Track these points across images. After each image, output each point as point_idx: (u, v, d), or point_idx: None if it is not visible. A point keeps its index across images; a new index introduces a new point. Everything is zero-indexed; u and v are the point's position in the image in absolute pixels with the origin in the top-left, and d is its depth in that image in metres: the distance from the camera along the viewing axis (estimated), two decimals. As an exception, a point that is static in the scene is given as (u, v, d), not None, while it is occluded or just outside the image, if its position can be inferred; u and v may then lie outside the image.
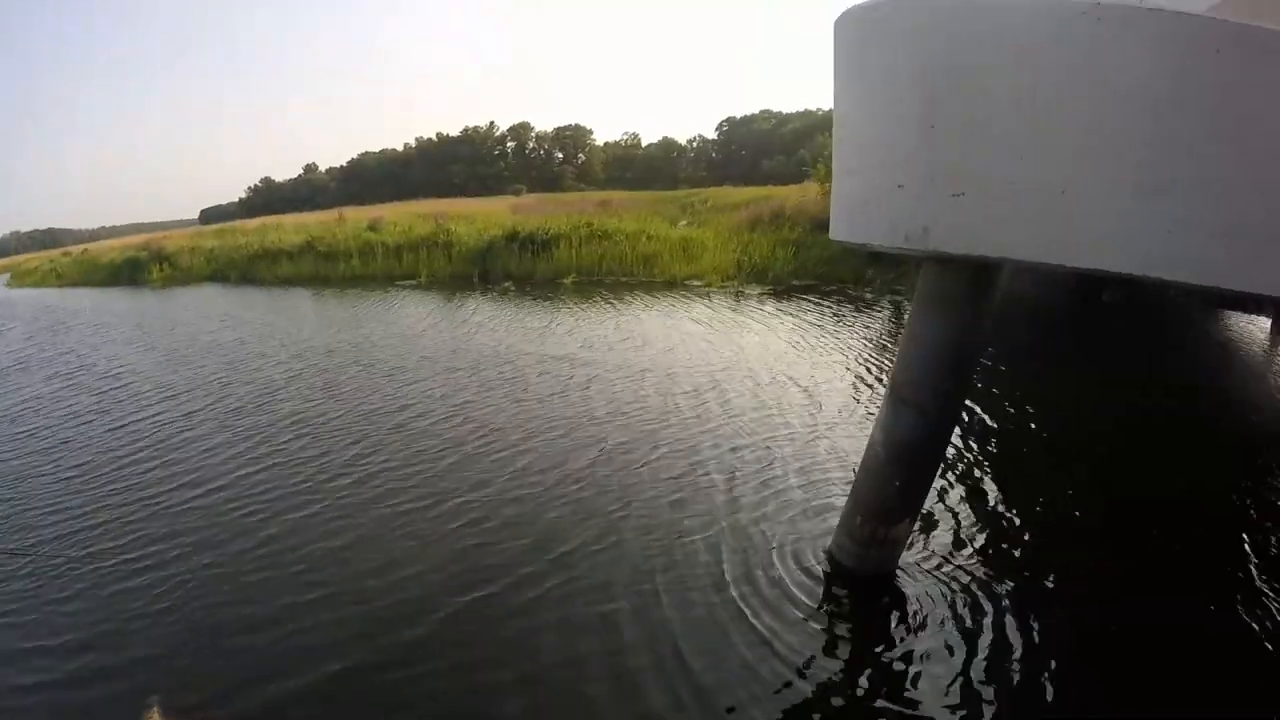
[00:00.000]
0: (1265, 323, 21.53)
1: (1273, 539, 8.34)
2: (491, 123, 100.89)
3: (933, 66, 5.64)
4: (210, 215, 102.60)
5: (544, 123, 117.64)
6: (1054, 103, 5.43)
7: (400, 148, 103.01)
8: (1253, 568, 7.66)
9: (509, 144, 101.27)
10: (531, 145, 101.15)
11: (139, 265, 39.95)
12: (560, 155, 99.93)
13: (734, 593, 7.12)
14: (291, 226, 41.21)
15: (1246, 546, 8.11)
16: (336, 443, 11.50)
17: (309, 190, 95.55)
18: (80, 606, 7.52)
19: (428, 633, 6.68)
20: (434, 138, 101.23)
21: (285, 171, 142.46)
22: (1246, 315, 23.19)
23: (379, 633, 6.71)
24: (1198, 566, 7.77)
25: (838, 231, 6.77)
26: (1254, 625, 6.67)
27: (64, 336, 24.63)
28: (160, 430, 12.89)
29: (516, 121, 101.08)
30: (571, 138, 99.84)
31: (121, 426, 13.33)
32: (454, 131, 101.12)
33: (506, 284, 27.79)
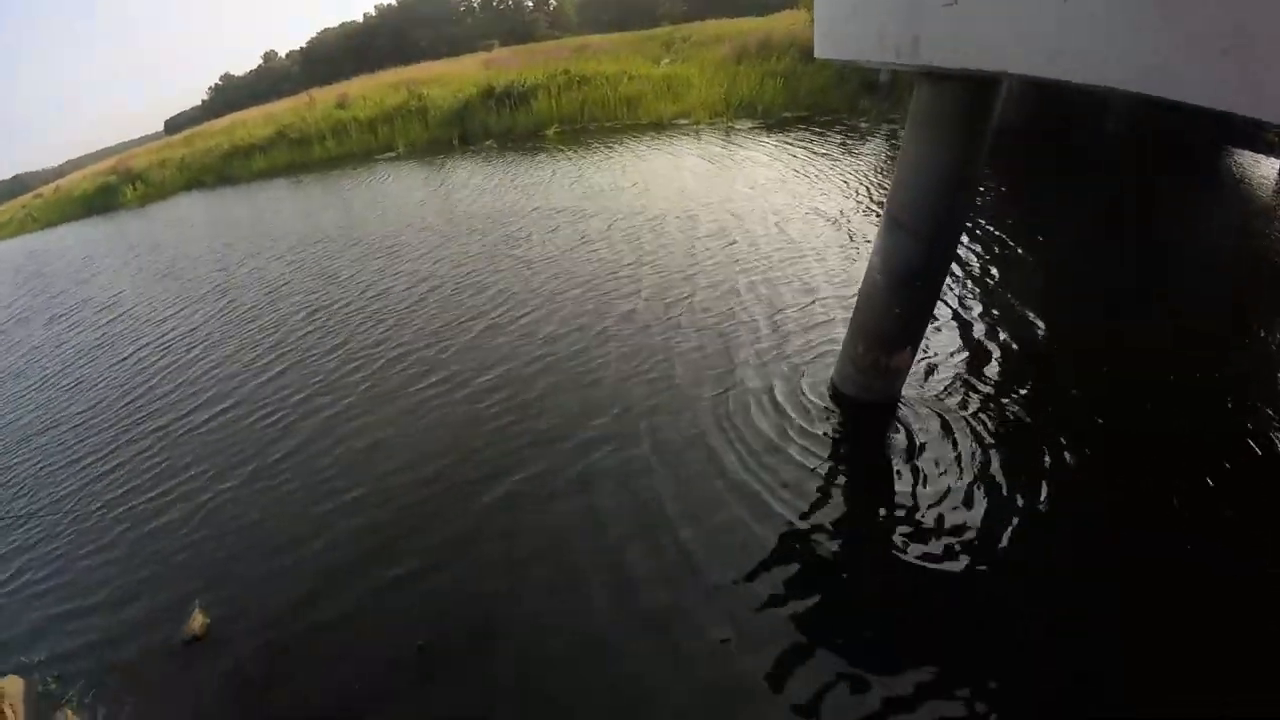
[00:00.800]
0: (1275, 165, 19.84)
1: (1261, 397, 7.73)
2: None
3: None
4: (175, 124, 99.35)
5: None
6: None
7: (360, 18, 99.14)
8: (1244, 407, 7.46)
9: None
10: None
11: (112, 190, 38.69)
12: (530, 3, 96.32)
13: (754, 422, 7.34)
14: (260, 118, 40.00)
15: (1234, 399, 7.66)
16: (351, 333, 11.26)
17: (272, 79, 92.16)
18: (118, 554, 7.55)
19: (456, 533, 6.66)
20: (394, 3, 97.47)
21: (244, 64, 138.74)
22: (1255, 155, 21.47)
23: (409, 535, 6.73)
24: (1183, 403, 7.45)
25: (823, 48, 6.47)
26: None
27: (53, 279, 23.89)
28: (167, 354, 12.66)
29: None
30: None
31: (127, 358, 13.10)
32: None
33: (488, 142, 27.18)
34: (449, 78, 36.36)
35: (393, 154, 28.93)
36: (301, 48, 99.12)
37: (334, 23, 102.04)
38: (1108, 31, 5.10)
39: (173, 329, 13.84)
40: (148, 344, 13.39)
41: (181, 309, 14.96)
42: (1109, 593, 5.28)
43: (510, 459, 7.42)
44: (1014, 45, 5.25)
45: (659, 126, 25.51)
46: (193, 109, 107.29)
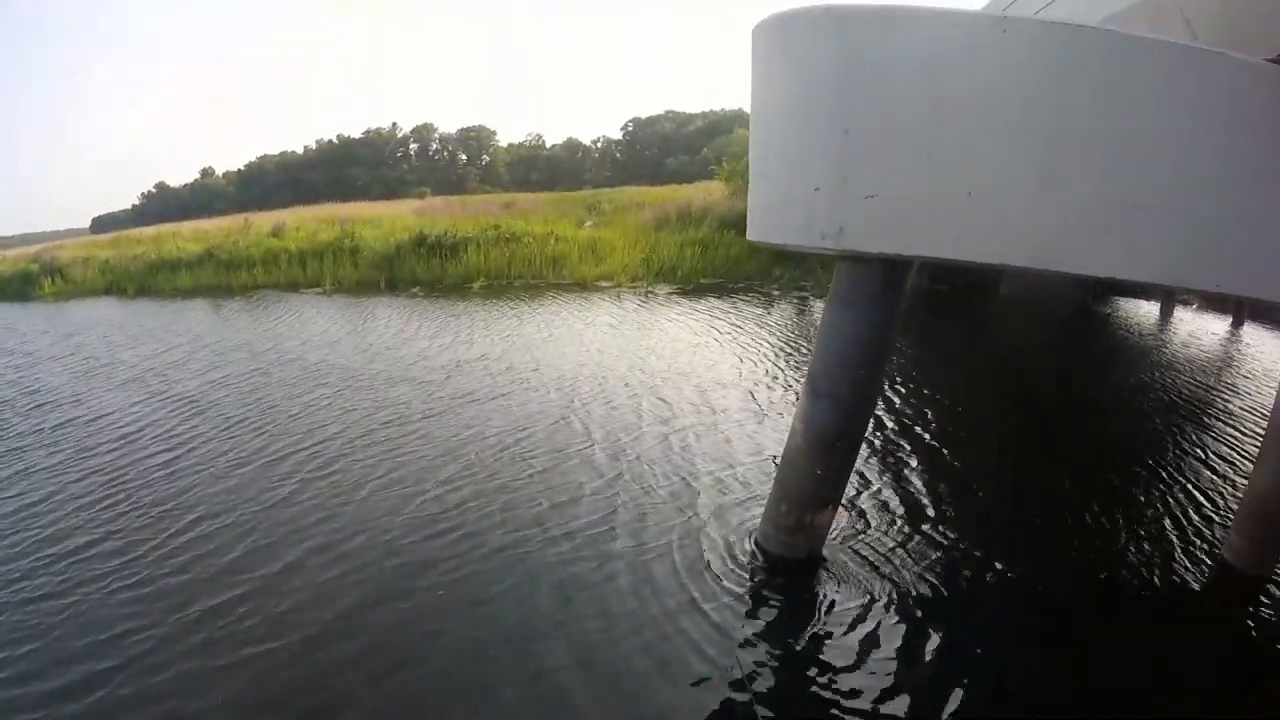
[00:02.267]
0: (1155, 307, 23.49)
1: (1167, 498, 9.56)
2: (394, 124, 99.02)
3: (847, 74, 5.98)
4: (103, 223, 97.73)
5: (447, 124, 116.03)
6: (961, 108, 5.88)
7: (300, 150, 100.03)
8: (1146, 528, 8.69)
9: (412, 145, 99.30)
10: (435, 147, 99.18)
11: (30, 278, 36.84)
12: (464, 157, 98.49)
13: (669, 584, 7.30)
14: (190, 234, 39.32)
15: (1134, 512, 9.11)
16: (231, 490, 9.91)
17: (206, 195, 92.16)
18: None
19: None
20: (334, 140, 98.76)
21: (181, 176, 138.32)
22: (1136, 300, 25.04)
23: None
24: (1101, 532, 8.64)
25: (755, 232, 7.11)
26: (1148, 575, 7.68)
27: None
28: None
29: (419, 123, 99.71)
30: (475, 139, 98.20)
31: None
32: (355, 133, 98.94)
33: (414, 290, 27.27)
34: (382, 220, 36.76)
35: (320, 290, 28.59)
36: (239, 169, 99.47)
37: (274, 150, 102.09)
38: (1006, 218, 6.00)
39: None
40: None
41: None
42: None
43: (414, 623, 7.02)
44: (925, 232, 6.03)
45: (582, 287, 26.28)
46: (122, 211, 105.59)
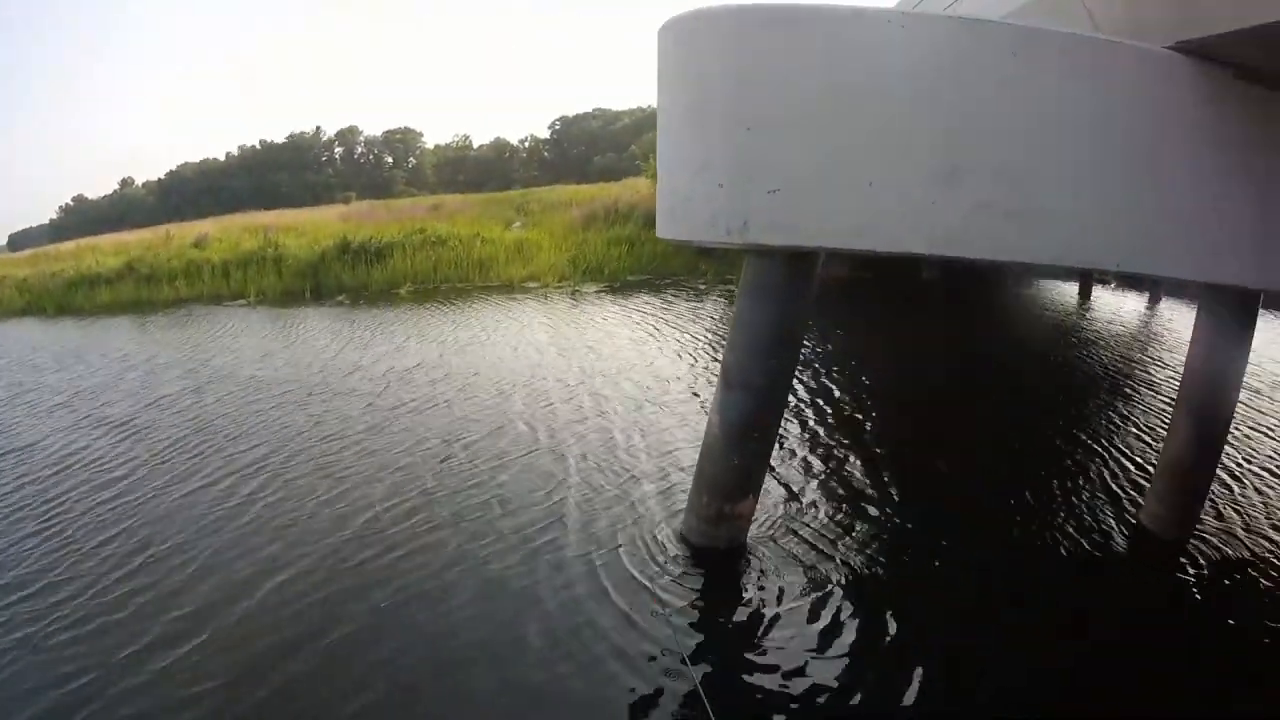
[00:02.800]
0: (1074, 287, 24.51)
1: (1090, 468, 10.32)
2: (318, 127, 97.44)
3: (749, 71, 6.19)
4: (19, 240, 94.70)
5: (373, 126, 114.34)
6: (863, 102, 6.12)
7: (222, 157, 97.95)
8: (1070, 498, 9.41)
9: (337, 149, 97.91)
10: (360, 150, 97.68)
11: None
12: (390, 160, 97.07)
13: (596, 576, 7.47)
14: (110, 247, 37.82)
15: (1056, 485, 9.79)
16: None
17: (126, 206, 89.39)
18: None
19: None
20: (257, 145, 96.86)
21: (99, 187, 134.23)
22: (1055, 281, 25.95)
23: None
24: (1025, 505, 9.30)
25: (664, 229, 7.30)
26: (1072, 543, 8.31)
27: None
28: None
29: (344, 126, 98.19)
30: (402, 141, 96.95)
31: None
32: (279, 138, 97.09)
33: (340, 297, 26.83)
34: (306, 226, 35.94)
35: (244, 302, 27.80)
36: (159, 179, 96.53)
37: (195, 158, 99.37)
38: (909, 207, 6.26)
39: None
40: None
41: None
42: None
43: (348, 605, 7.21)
44: (828, 224, 6.26)
45: (509, 289, 26.34)
46: (40, 226, 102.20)
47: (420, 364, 16.21)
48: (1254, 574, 7.96)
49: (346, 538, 8.49)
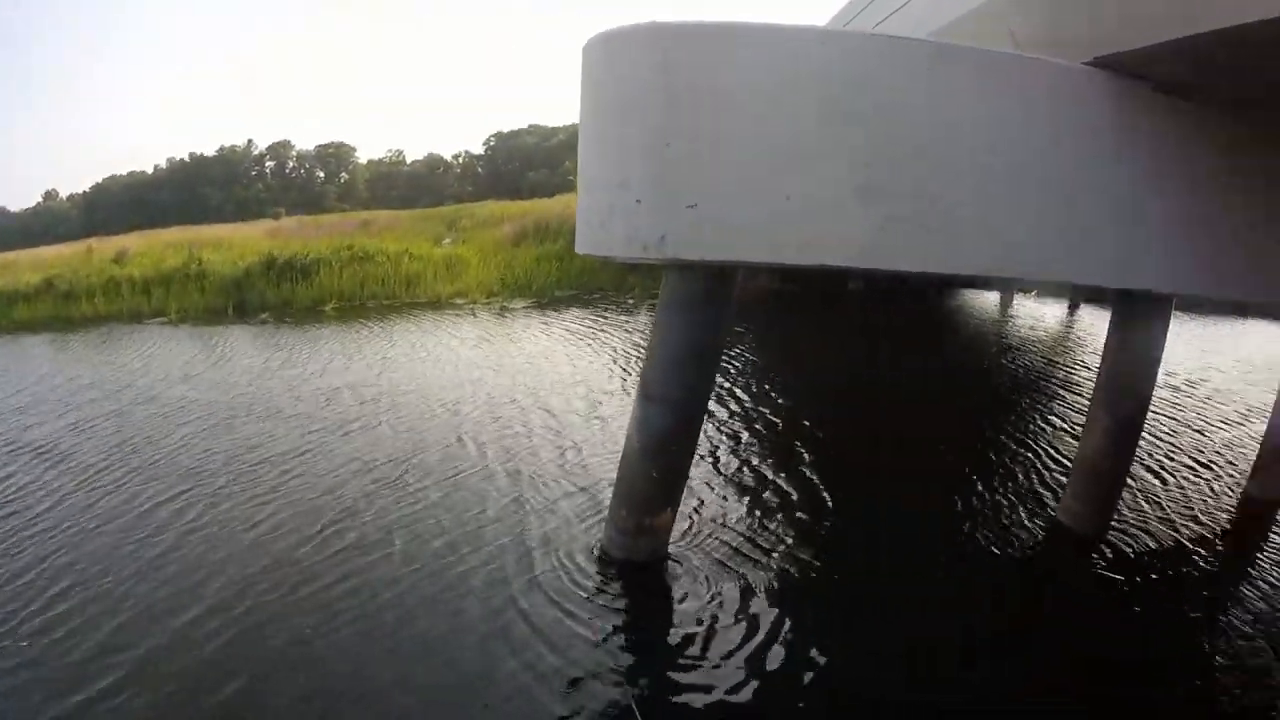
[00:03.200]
0: (996, 296, 25.40)
1: (1012, 468, 10.87)
2: (249, 141, 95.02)
3: (671, 89, 6.24)
4: None
5: (305, 141, 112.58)
6: (782, 120, 6.21)
7: (150, 169, 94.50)
8: (984, 500, 9.80)
9: (268, 163, 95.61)
10: (292, 164, 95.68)
11: None
12: (322, 175, 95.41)
13: (517, 594, 7.41)
14: (29, 263, 36.06)
15: (979, 486, 10.22)
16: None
17: (49, 219, 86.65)
18: None
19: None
20: (186, 158, 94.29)
21: (20, 200, 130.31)
22: (978, 291, 26.82)
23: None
24: (949, 506, 9.65)
25: (583, 245, 7.35)
26: (990, 541, 8.67)
27: None
28: None
29: (276, 140, 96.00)
30: (334, 156, 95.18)
31: None
32: (209, 151, 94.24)
33: (264, 315, 25.87)
34: (233, 242, 35.04)
35: (165, 320, 26.44)
36: (84, 192, 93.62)
37: (122, 170, 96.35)
38: (827, 222, 6.39)
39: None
40: None
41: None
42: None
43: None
44: (745, 238, 6.34)
45: (437, 305, 26.02)
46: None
47: (350, 384, 15.79)
48: (1165, 565, 8.49)
49: (273, 565, 8.20)
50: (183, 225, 52.36)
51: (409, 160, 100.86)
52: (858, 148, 6.37)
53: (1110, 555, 8.58)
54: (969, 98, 6.57)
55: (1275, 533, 9.59)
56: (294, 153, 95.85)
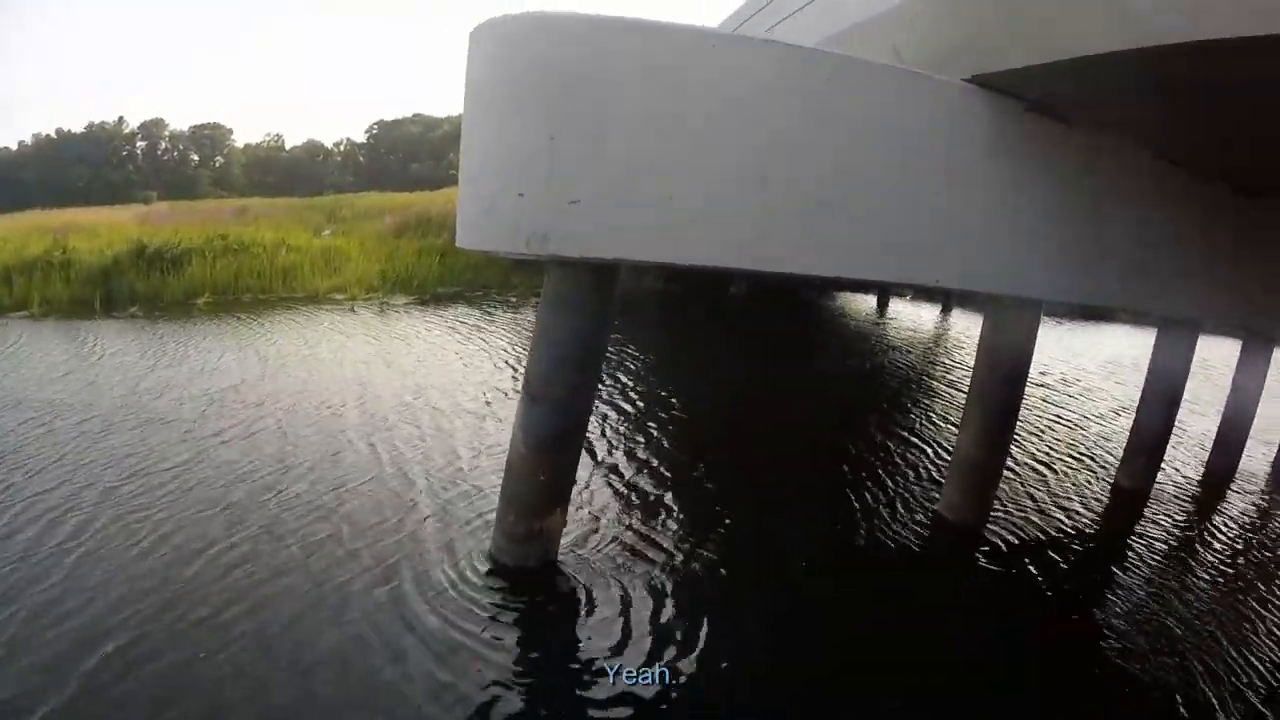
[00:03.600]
0: (872, 299, 26.55)
1: (895, 464, 11.32)
2: (120, 118, 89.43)
3: (558, 82, 6.16)
4: None
5: (179, 120, 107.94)
6: (669, 118, 6.23)
7: (14, 146, 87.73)
8: (868, 495, 10.19)
9: (139, 143, 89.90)
10: (165, 145, 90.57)
11: None
12: (196, 157, 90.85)
13: (405, 603, 7.14)
14: None
15: (864, 482, 10.55)
16: None
17: None
18: None
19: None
20: (53, 134, 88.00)
21: None
22: (855, 294, 27.88)
23: None
24: (835, 501, 10.02)
25: (464, 239, 7.21)
26: (876, 535, 9.04)
27: None
28: None
29: (149, 118, 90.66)
30: (210, 137, 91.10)
31: None
32: (76, 127, 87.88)
33: (134, 309, 24.18)
34: (101, 228, 32.66)
35: (27, 313, 23.89)
36: None
37: None
38: (711, 222, 6.43)
39: None
40: None
41: None
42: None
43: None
44: (629, 236, 6.31)
45: (315, 300, 25.10)
46: None
47: (237, 384, 14.76)
48: (1041, 553, 9.08)
49: (160, 585, 7.47)
50: (47, 208, 49.81)
51: (288, 146, 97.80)
52: (748, 151, 6.46)
53: (989, 546, 9.05)
54: (856, 106, 6.78)
55: (1145, 519, 10.51)
56: (167, 133, 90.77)
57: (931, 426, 13.14)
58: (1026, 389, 9.68)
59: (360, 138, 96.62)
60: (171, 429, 12.04)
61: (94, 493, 9.58)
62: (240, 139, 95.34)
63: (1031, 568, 8.80)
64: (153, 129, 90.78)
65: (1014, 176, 7.82)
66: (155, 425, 12.24)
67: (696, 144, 6.32)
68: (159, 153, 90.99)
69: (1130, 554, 9.52)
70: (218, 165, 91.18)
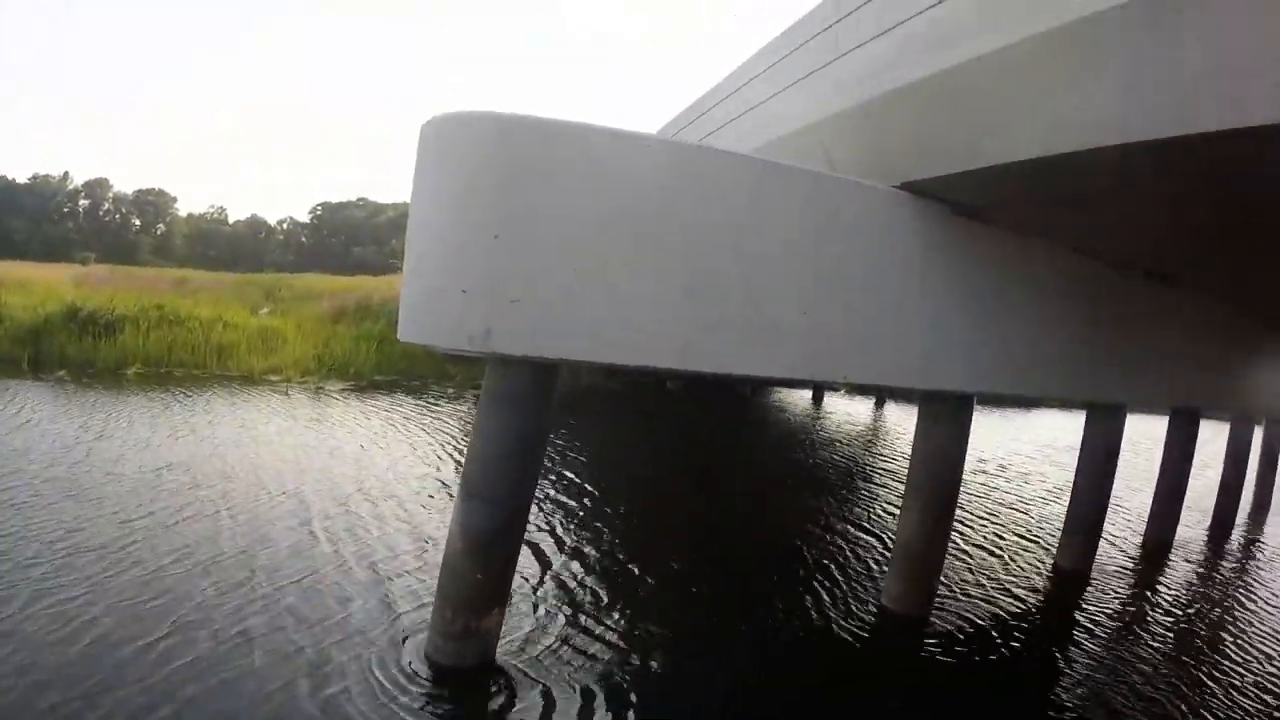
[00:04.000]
0: (807, 394, 27.32)
1: (836, 555, 11.47)
2: (65, 173, 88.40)
3: (503, 180, 6.24)
4: None
5: (124, 183, 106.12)
6: (609, 220, 6.37)
7: None
8: (811, 587, 10.22)
9: (82, 201, 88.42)
10: (108, 207, 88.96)
11: None
12: (139, 223, 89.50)
13: (338, 706, 6.68)
14: None
15: (805, 574, 10.61)
16: None
17: None
18: None
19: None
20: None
21: None
22: (790, 390, 28.66)
23: None
24: (778, 594, 10.09)
25: (406, 332, 7.09)
26: (821, 626, 8.96)
27: None
28: None
29: (93, 177, 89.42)
30: (153, 203, 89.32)
31: None
32: (20, 177, 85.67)
33: (62, 372, 23.31)
34: (35, 284, 31.75)
35: None
36: None
37: None
38: (648, 323, 6.54)
39: None
40: None
41: None
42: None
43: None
44: (570, 336, 6.36)
45: (249, 380, 24.48)
46: None
47: (171, 464, 13.89)
48: (986, 639, 9.31)
49: (95, 689, 6.70)
50: (-18, 259, 48.42)
51: (231, 220, 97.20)
52: (685, 253, 6.64)
53: (934, 634, 9.17)
54: (790, 211, 7.11)
55: (1085, 599, 10.92)
56: (111, 194, 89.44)
57: (869, 516, 13.30)
58: (964, 475, 9.89)
59: (304, 217, 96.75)
60: (104, 507, 11.32)
61: (24, 576, 8.84)
62: (184, 208, 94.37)
63: (977, 653, 8.97)
64: (96, 188, 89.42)
65: (942, 277, 8.23)
66: (86, 503, 11.47)
67: (635, 247, 6.47)
68: (101, 213, 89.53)
69: (1074, 632, 9.91)
70: (159, 233, 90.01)
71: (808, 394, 30.12)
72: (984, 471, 16.96)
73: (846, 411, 25.65)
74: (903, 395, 25.07)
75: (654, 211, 6.46)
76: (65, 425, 16.58)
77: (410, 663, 7.52)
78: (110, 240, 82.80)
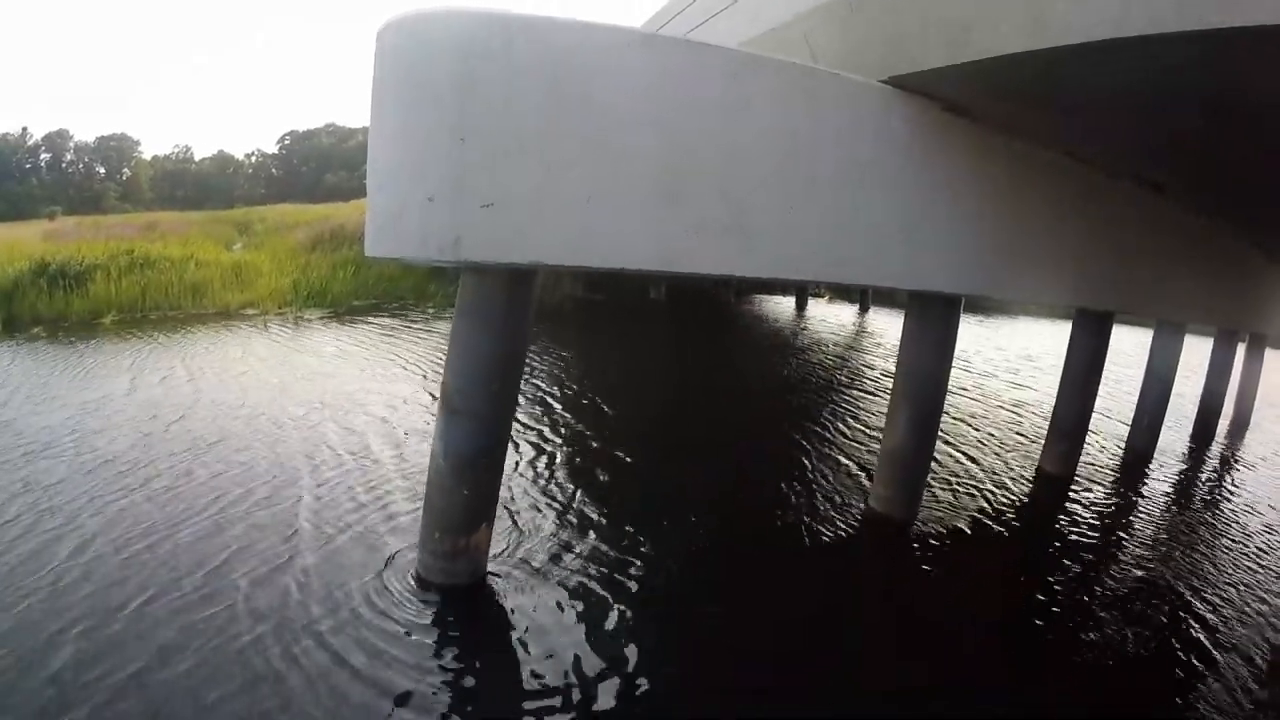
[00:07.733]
0: (790, 301, 27.27)
1: (825, 459, 11.63)
2: (24, 129, 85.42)
3: (468, 79, 5.91)
4: None
5: (84, 131, 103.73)
6: (584, 117, 6.07)
7: None
8: (799, 492, 10.42)
9: (43, 155, 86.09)
10: (70, 158, 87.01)
11: None
12: (103, 170, 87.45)
13: (331, 628, 6.64)
14: None
15: (794, 479, 10.78)
16: None
17: None
18: None
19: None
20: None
21: None
22: (773, 296, 28.53)
23: None
24: (767, 497, 10.23)
25: (373, 246, 6.84)
26: (811, 528, 9.13)
27: None
28: None
29: (53, 129, 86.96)
30: (116, 149, 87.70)
31: None
32: None
33: (37, 329, 22.34)
34: (1, 245, 31.73)
35: None
36: None
37: None
38: (628, 225, 6.30)
39: None
40: None
41: None
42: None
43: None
44: (545, 240, 6.11)
45: (226, 316, 24.07)
46: None
47: (153, 415, 13.10)
48: (972, 539, 9.56)
49: (87, 613, 6.69)
50: (-52, 223, 47.58)
51: (198, 158, 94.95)
52: (664, 152, 6.39)
53: (921, 535, 9.34)
54: (772, 107, 6.82)
55: (1068, 502, 11.20)
56: (72, 144, 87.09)
57: (857, 422, 13.39)
58: (950, 381, 9.91)
59: (272, 149, 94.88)
60: (75, 465, 10.58)
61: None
62: (148, 150, 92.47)
63: (962, 554, 9.14)
64: (56, 140, 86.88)
65: (929, 176, 7.98)
66: (55, 459, 10.84)
67: (610, 145, 6.18)
68: (64, 165, 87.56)
69: (1057, 538, 10.10)
70: (125, 178, 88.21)
71: (791, 300, 30.01)
72: (967, 375, 17.05)
73: (830, 317, 25.67)
74: (886, 298, 25.10)
75: (629, 108, 6.18)
76: (39, 380, 15.86)
77: (396, 584, 7.46)
78: (75, 192, 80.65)
